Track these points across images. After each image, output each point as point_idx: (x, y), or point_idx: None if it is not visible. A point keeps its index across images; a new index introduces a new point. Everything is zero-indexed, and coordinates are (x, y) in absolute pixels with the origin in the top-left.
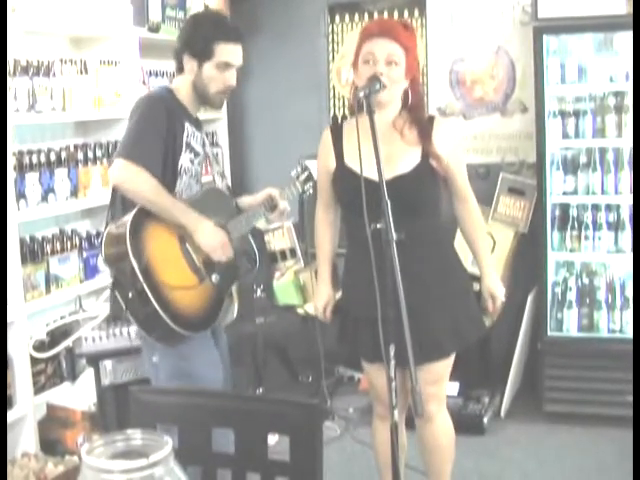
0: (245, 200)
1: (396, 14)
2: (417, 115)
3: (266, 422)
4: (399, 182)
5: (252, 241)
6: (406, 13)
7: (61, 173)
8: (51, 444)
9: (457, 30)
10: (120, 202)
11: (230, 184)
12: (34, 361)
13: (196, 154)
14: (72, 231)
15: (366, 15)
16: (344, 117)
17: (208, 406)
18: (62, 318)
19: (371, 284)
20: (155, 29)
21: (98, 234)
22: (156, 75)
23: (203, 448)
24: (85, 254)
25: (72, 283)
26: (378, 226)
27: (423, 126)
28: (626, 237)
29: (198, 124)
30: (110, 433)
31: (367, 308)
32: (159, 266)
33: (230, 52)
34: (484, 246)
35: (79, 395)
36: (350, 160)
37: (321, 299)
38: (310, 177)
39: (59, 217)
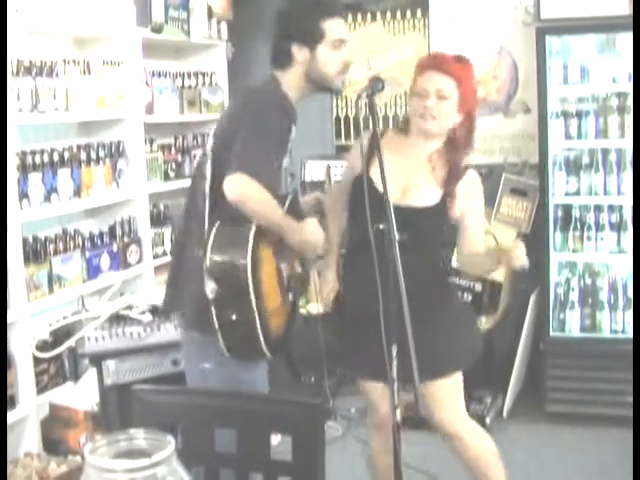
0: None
1: (399, 14)
2: (457, 154)
3: (268, 422)
4: (412, 213)
5: None
6: (409, 13)
7: (64, 173)
8: (54, 444)
9: (460, 30)
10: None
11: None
12: (37, 361)
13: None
14: (75, 231)
15: (369, 15)
16: (345, 116)
17: (211, 406)
18: (65, 318)
19: (371, 287)
20: (158, 30)
21: (101, 234)
22: (159, 75)
23: (206, 448)
24: (88, 254)
25: (75, 283)
26: (381, 226)
27: (455, 171)
28: (628, 238)
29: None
30: (113, 433)
31: (366, 313)
32: (264, 288)
33: (340, 27)
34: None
35: (82, 395)
36: (375, 174)
37: (327, 286)
38: None
39: (62, 217)
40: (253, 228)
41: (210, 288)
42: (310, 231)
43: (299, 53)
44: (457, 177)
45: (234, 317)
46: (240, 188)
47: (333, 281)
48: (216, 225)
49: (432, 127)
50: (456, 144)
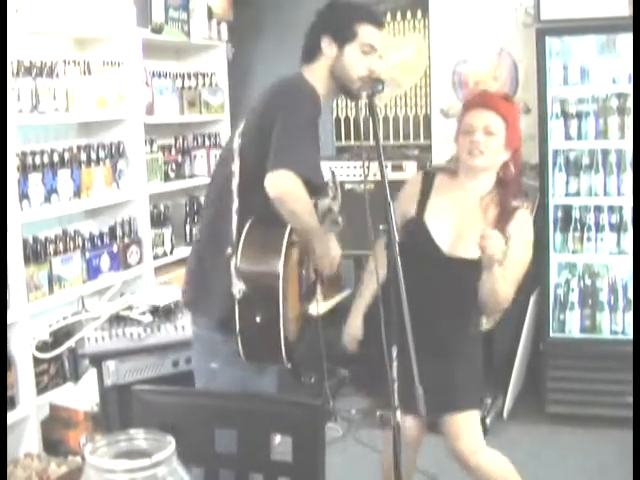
0: None
1: (399, 15)
2: (506, 195)
3: (269, 422)
4: (462, 265)
5: None
6: (409, 14)
7: (64, 174)
8: (54, 444)
9: (460, 31)
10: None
11: None
12: (37, 361)
13: None
14: (75, 232)
15: None
16: (345, 117)
17: (211, 406)
18: (65, 318)
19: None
20: (158, 30)
21: (101, 235)
22: (159, 76)
23: (206, 448)
24: (88, 254)
25: (75, 283)
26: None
27: (505, 212)
28: (629, 239)
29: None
30: (113, 433)
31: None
32: (288, 295)
33: (374, 35)
34: None
35: (82, 395)
36: (429, 216)
37: (351, 332)
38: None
39: (62, 218)
40: (287, 232)
41: (238, 288)
42: (332, 246)
43: (328, 47)
44: (507, 219)
45: (258, 320)
46: (284, 185)
47: (357, 329)
48: (248, 224)
49: (480, 162)
50: (505, 184)
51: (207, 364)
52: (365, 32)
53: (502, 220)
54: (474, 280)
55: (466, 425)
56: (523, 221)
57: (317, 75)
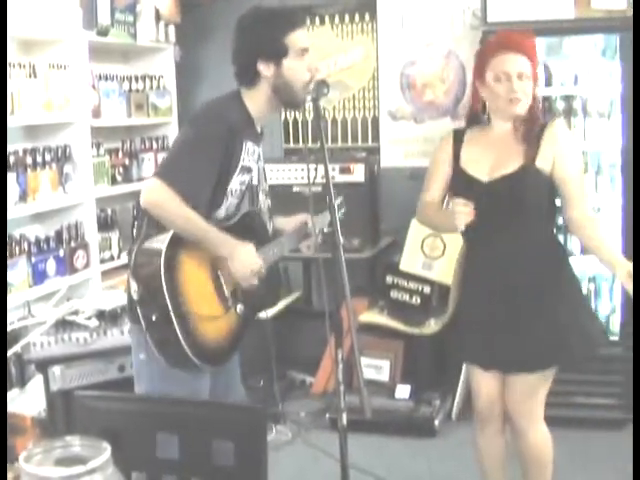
0: (279, 222)
1: (347, 18)
2: (532, 118)
3: (210, 427)
4: (502, 182)
5: (280, 272)
6: (357, 17)
7: (10, 178)
8: None
9: (408, 34)
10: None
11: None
12: None
13: (248, 172)
14: (21, 236)
15: (317, 19)
16: (294, 119)
17: (153, 412)
18: (11, 324)
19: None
20: (104, 33)
21: (47, 239)
22: (106, 79)
23: (147, 454)
24: (34, 259)
25: (21, 288)
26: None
27: (533, 130)
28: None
29: (259, 138)
30: (49, 440)
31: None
32: (188, 293)
33: (301, 37)
34: (609, 247)
35: (29, 401)
36: (465, 164)
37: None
38: (343, 203)
39: (8, 222)
40: (170, 233)
41: (134, 289)
42: (247, 259)
43: (266, 69)
44: (536, 133)
45: (154, 317)
46: (149, 193)
47: None
48: (144, 228)
49: (521, 109)
50: (533, 110)
51: (137, 354)
52: (294, 39)
53: (531, 138)
54: (518, 190)
55: (538, 386)
56: (555, 130)
57: (258, 97)
